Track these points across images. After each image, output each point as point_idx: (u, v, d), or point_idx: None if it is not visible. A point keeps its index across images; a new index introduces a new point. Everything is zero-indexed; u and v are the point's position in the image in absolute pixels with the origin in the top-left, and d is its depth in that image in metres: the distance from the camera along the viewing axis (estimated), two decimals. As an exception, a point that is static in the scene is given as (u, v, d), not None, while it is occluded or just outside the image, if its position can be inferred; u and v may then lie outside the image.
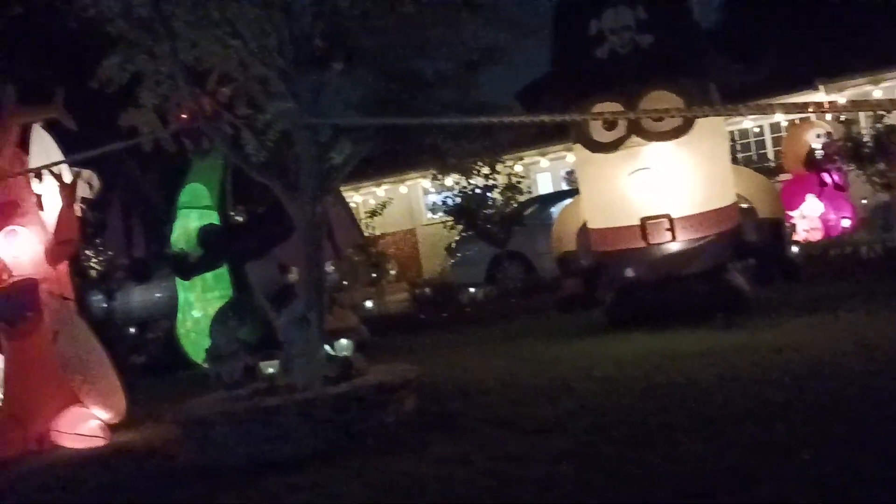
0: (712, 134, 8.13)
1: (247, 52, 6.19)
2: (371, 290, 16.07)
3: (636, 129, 7.86)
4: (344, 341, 6.05)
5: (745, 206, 8.52)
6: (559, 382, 6.16)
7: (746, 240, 8.29)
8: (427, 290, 15.08)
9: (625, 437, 4.55)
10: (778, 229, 8.34)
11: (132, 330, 14.52)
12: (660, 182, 7.92)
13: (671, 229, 7.90)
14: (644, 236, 7.97)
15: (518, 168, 14.01)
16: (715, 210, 8.01)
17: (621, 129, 7.90)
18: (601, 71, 7.89)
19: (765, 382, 5.25)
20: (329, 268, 17.89)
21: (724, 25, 18.27)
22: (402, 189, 22.37)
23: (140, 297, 16.87)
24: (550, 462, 4.33)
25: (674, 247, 7.97)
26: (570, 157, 20.17)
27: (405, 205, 22.16)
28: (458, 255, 15.83)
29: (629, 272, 8.16)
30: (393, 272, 19.67)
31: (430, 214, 23.22)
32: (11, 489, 5.87)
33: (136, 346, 12.15)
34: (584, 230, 8.74)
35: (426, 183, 22.43)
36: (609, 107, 7.69)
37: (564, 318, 9.14)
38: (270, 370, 5.89)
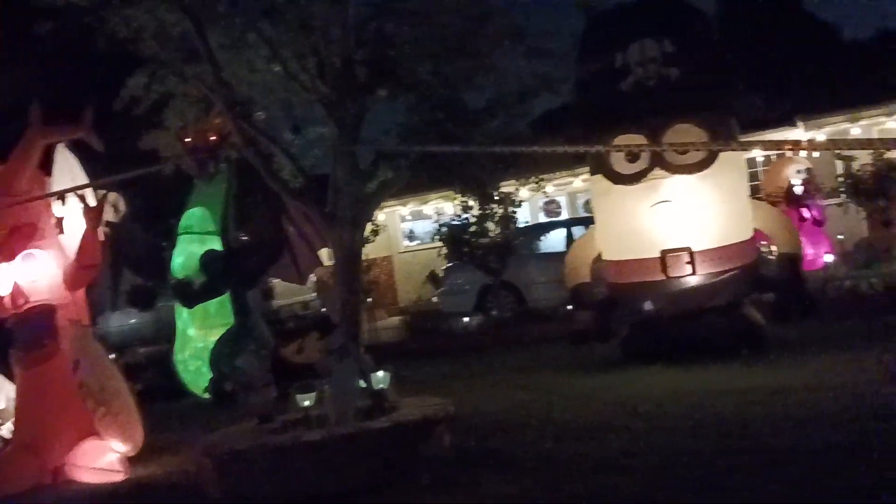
0: (732, 168, 8.17)
1: (286, 76, 6.08)
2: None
3: (659, 162, 7.87)
4: (381, 373, 5.89)
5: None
6: (599, 419, 6.06)
7: (764, 275, 8.31)
8: (411, 318, 14.93)
9: (697, 480, 4.42)
10: (795, 264, 8.36)
11: (111, 356, 14.12)
12: (681, 215, 7.92)
13: (692, 262, 7.89)
14: (664, 269, 7.94)
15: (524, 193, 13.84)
16: (735, 244, 8.02)
17: (644, 161, 7.90)
18: (625, 103, 7.90)
19: (815, 422, 5.20)
20: (312, 294, 17.71)
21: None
22: (380, 217, 22.18)
23: (117, 322, 16.50)
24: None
25: (693, 280, 7.95)
26: (550, 188, 20.26)
27: (382, 232, 21.94)
28: (447, 283, 15.68)
29: (647, 305, 8.10)
30: (369, 300, 19.45)
31: (406, 242, 23.09)
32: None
33: (132, 372, 11.73)
34: (598, 261, 8.70)
35: (404, 210, 22.32)
36: (632, 138, 7.69)
37: (569, 349, 9.02)
38: (307, 402, 5.71)
